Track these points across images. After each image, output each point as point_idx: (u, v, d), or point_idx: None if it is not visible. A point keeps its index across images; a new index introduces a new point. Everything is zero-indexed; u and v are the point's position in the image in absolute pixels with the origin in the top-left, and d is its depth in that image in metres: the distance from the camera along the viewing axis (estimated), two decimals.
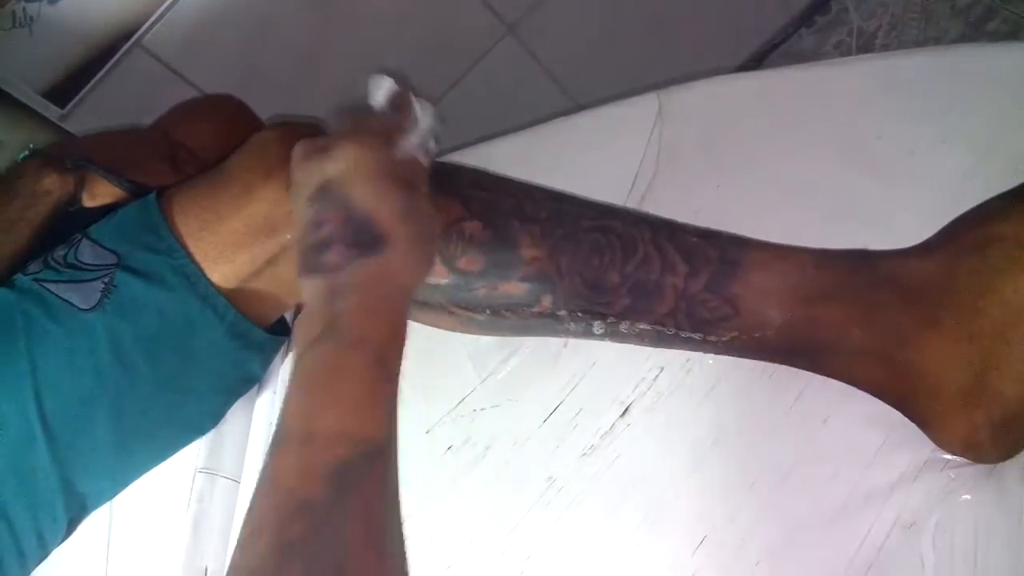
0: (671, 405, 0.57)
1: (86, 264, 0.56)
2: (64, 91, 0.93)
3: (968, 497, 0.49)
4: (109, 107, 0.95)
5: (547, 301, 0.52)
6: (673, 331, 0.51)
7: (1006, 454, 0.49)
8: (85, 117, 0.95)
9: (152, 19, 0.92)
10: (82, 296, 0.54)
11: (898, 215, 0.57)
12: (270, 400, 0.68)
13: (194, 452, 0.65)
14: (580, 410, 0.59)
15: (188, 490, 0.64)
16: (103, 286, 0.55)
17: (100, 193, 0.64)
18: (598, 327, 0.52)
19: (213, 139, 0.77)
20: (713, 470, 0.54)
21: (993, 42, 1.13)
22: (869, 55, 0.65)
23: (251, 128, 0.83)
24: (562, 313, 0.52)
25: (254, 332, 0.60)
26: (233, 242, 0.56)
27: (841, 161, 0.60)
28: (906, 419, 0.51)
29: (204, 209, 0.56)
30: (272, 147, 0.57)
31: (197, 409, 0.62)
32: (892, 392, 0.51)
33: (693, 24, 1.24)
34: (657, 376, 0.58)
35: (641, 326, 0.52)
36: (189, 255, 0.56)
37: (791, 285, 0.50)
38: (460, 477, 0.60)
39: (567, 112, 1.10)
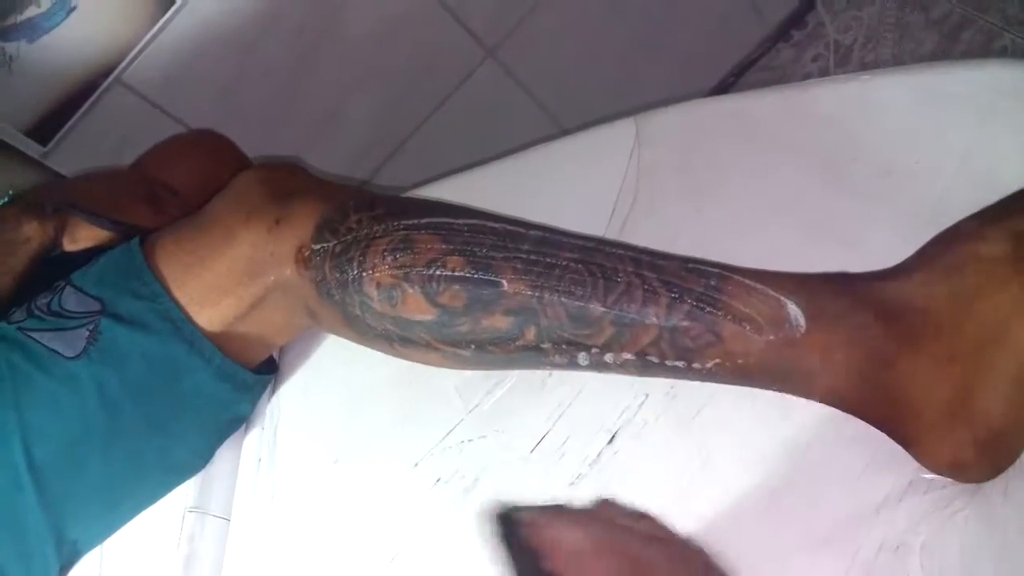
0: (657, 432, 0.57)
1: (70, 312, 0.56)
2: (46, 129, 0.94)
3: (954, 517, 0.49)
4: (91, 144, 0.95)
5: (531, 334, 0.52)
6: (658, 360, 0.51)
7: (991, 472, 0.50)
8: (67, 154, 0.95)
9: (132, 55, 0.92)
10: (67, 344, 0.55)
11: (876, 236, 0.57)
12: (258, 437, 0.68)
13: (183, 492, 0.64)
14: (567, 439, 0.59)
15: (178, 530, 0.64)
16: (88, 334, 0.55)
17: (81, 237, 0.64)
18: (583, 358, 0.52)
19: (195, 176, 0.78)
20: (699, 497, 0.54)
21: (967, 56, 1.15)
22: (842, 76, 0.66)
23: (235, 163, 0.83)
24: (546, 346, 0.52)
25: (242, 374, 0.60)
26: (216, 285, 0.56)
27: (818, 183, 0.61)
28: (890, 440, 0.52)
29: (187, 253, 0.57)
30: (254, 189, 0.57)
31: (187, 452, 0.62)
32: (876, 413, 0.51)
33: (672, 40, 1.25)
34: (643, 403, 0.58)
35: (625, 356, 0.52)
36: (174, 300, 0.56)
37: (772, 310, 0.50)
38: (449, 510, 0.60)
39: (550, 133, 1.10)
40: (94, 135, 0.95)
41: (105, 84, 0.92)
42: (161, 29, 0.92)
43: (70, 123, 0.93)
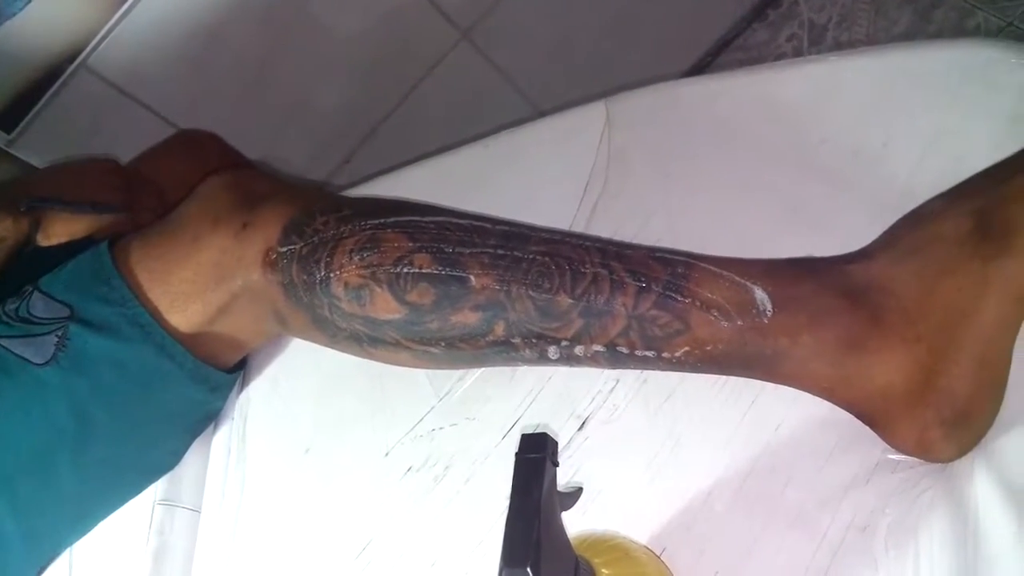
0: (627, 417, 0.57)
1: (39, 318, 0.55)
2: (10, 116, 0.92)
3: (921, 497, 0.50)
4: (57, 130, 0.94)
5: (500, 329, 0.52)
6: (627, 351, 0.51)
7: (957, 452, 0.50)
8: (33, 141, 0.94)
9: (97, 39, 0.91)
10: (36, 351, 0.54)
11: (845, 218, 0.57)
12: (228, 429, 0.68)
13: (153, 484, 0.64)
14: (538, 426, 0.59)
15: (147, 523, 0.63)
16: (57, 340, 0.54)
17: (55, 233, 0.64)
18: (553, 352, 0.52)
19: (178, 173, 0.78)
20: (670, 481, 0.54)
21: (940, 34, 1.15)
22: (812, 58, 0.66)
23: (222, 161, 0.83)
24: (516, 340, 0.52)
25: (215, 376, 0.60)
26: (184, 291, 0.55)
27: (787, 165, 0.61)
28: (858, 421, 0.52)
29: (154, 259, 0.56)
30: (221, 195, 0.56)
31: (160, 452, 0.62)
32: (843, 395, 0.52)
33: (648, 21, 1.25)
34: (613, 388, 0.58)
35: (595, 348, 0.51)
36: (142, 305, 0.55)
37: (739, 296, 0.50)
38: (421, 498, 0.60)
39: (525, 116, 1.09)
40: (60, 122, 0.94)
41: (70, 70, 0.91)
42: (126, 13, 0.90)
43: (35, 110, 0.92)
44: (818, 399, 0.52)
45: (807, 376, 0.51)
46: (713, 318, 0.50)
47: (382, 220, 0.53)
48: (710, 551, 0.52)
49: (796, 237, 0.56)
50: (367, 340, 0.54)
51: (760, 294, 0.50)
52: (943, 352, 0.49)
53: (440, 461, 0.61)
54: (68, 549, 0.62)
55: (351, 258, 0.52)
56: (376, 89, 1.13)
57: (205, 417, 0.64)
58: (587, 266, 0.51)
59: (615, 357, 0.52)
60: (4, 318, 0.56)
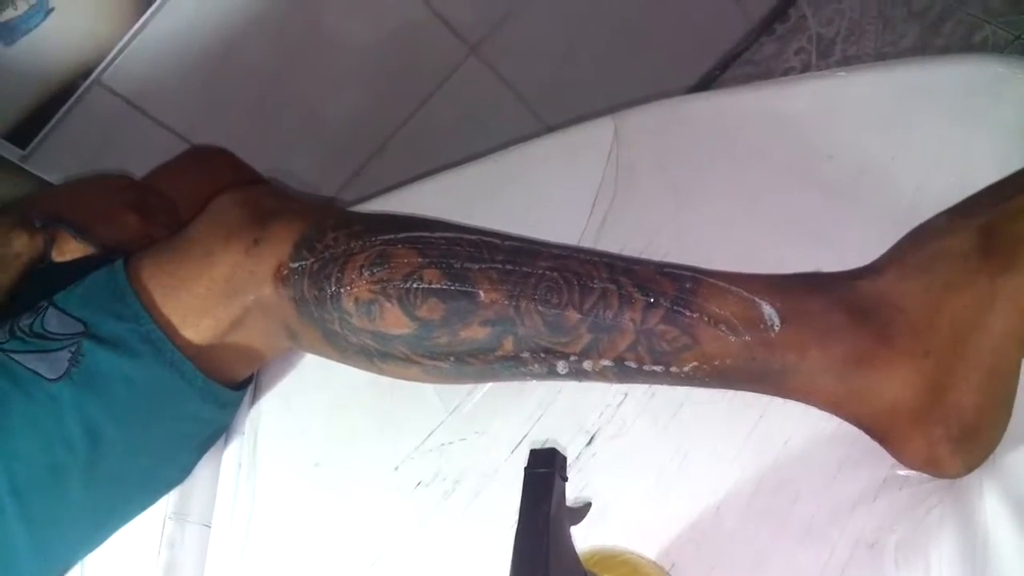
0: (635, 432, 0.57)
1: (53, 333, 0.56)
2: (25, 132, 0.93)
3: (930, 513, 0.50)
4: (71, 146, 0.95)
5: (509, 343, 0.52)
6: (636, 365, 0.52)
7: (966, 468, 0.50)
8: (47, 157, 0.95)
9: (110, 56, 0.92)
10: (49, 366, 0.54)
11: (852, 233, 0.57)
12: (239, 444, 0.68)
13: (163, 498, 0.64)
14: (546, 440, 0.59)
15: (158, 537, 0.64)
16: (70, 355, 0.55)
17: (69, 249, 0.65)
18: (562, 367, 0.52)
19: (192, 189, 0.78)
20: (678, 496, 0.54)
21: (948, 48, 1.15)
22: (818, 73, 0.66)
23: (234, 177, 0.84)
24: (525, 355, 0.52)
25: (224, 394, 0.60)
26: (196, 307, 0.56)
27: (794, 180, 0.61)
28: (867, 436, 0.52)
29: (167, 274, 0.57)
30: (232, 211, 0.57)
31: (170, 467, 0.63)
32: (852, 411, 0.52)
33: (656, 35, 1.25)
34: (621, 403, 0.59)
35: (604, 363, 0.52)
36: (155, 321, 0.56)
37: (747, 311, 0.51)
38: (430, 512, 0.60)
39: (534, 131, 1.10)
40: (74, 137, 0.95)
41: (84, 85, 0.92)
42: (140, 29, 0.91)
43: (49, 126, 0.93)
44: (826, 414, 0.52)
45: (815, 391, 0.51)
46: (721, 333, 0.50)
47: (392, 236, 0.53)
48: (719, 566, 0.52)
49: (803, 252, 0.56)
50: (377, 355, 0.55)
51: (768, 309, 0.50)
52: (951, 367, 0.49)
53: (449, 475, 0.61)
54: (80, 563, 0.63)
55: (361, 273, 0.52)
56: (386, 104, 1.14)
57: (214, 433, 0.65)
58: (596, 281, 0.51)
59: (623, 372, 0.52)
60: (19, 333, 0.56)
